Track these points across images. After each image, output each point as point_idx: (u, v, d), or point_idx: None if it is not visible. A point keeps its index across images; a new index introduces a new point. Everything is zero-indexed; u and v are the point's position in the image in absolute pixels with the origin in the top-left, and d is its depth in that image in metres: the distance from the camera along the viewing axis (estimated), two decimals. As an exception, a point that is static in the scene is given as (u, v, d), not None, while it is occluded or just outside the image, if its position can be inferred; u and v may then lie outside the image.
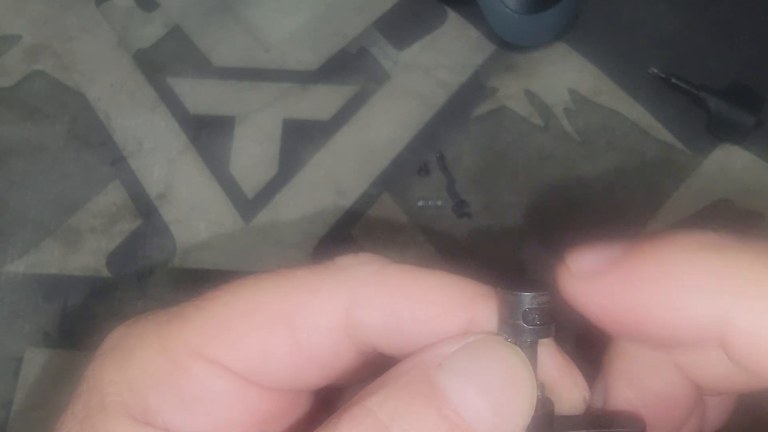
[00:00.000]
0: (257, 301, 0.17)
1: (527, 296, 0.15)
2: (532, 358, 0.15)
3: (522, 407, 0.14)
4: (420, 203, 0.45)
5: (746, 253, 0.14)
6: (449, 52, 0.49)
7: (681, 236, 0.15)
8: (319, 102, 0.48)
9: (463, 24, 0.50)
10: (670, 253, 0.14)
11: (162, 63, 0.50)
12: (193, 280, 0.43)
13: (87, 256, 0.44)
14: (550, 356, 0.16)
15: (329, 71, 0.49)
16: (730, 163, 0.45)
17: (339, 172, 0.46)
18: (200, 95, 0.49)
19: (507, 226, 0.44)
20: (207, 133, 0.47)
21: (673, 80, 0.46)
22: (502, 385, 0.14)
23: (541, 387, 0.16)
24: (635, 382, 0.16)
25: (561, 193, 0.45)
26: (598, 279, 0.15)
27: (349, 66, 0.49)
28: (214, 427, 0.16)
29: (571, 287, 0.15)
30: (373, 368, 0.17)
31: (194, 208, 0.45)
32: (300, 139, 0.47)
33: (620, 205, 0.44)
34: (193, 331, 0.16)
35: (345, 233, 0.44)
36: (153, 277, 0.43)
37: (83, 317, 0.42)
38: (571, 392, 0.16)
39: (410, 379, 0.14)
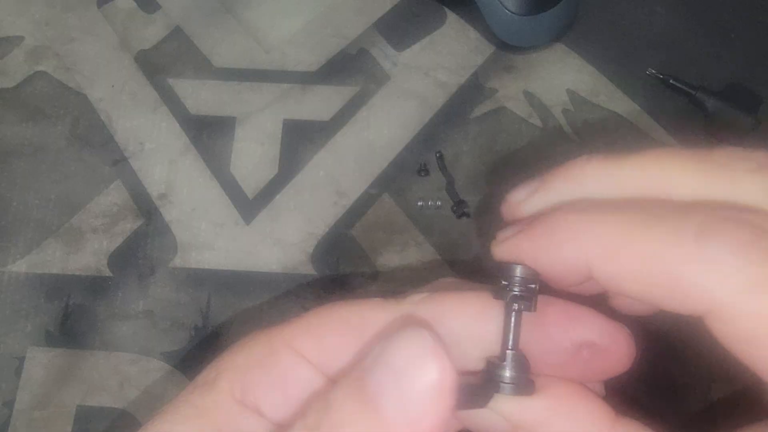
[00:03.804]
0: (339, 314, 0.21)
1: (518, 267, 0.19)
2: (517, 323, 0.19)
3: (426, 392, 0.17)
4: (420, 203, 0.45)
5: (605, 206, 0.19)
6: (449, 53, 0.50)
7: (563, 206, 0.20)
8: (319, 103, 0.48)
9: (462, 25, 0.51)
10: (549, 220, 0.19)
11: (163, 64, 0.50)
12: (193, 279, 0.43)
13: (89, 256, 0.44)
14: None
15: (329, 72, 0.49)
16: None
17: (339, 172, 0.46)
18: (201, 96, 0.49)
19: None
20: (208, 134, 0.48)
21: (671, 81, 0.47)
22: (418, 396, 0.17)
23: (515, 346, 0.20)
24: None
25: (559, 193, 0.45)
26: (509, 241, 0.20)
27: (349, 67, 0.49)
28: (288, 403, 0.20)
29: (495, 251, 0.21)
30: None
31: (195, 208, 0.45)
32: (300, 140, 0.47)
33: (618, 205, 0.45)
34: (289, 331, 0.21)
35: (345, 233, 0.45)
36: (154, 276, 0.44)
37: (85, 316, 0.43)
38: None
39: (351, 382, 0.18)
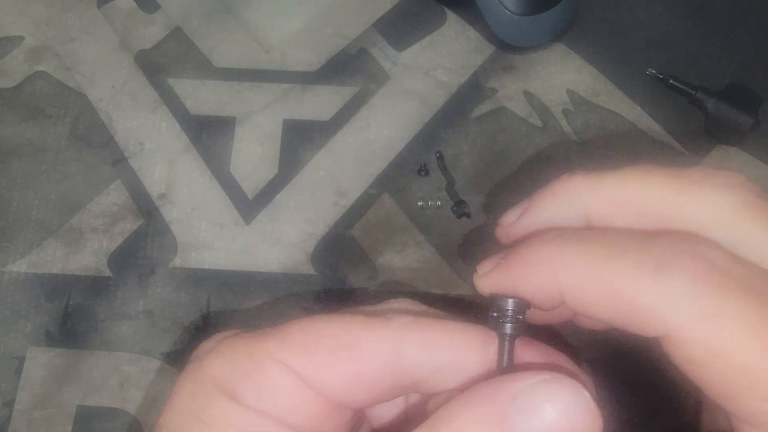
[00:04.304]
0: (326, 329, 0.21)
1: (508, 300, 0.21)
2: (510, 349, 0.21)
3: None
4: (420, 203, 0.45)
5: (575, 237, 0.20)
6: (449, 53, 0.50)
7: (534, 238, 0.21)
8: (319, 102, 0.48)
9: (462, 25, 0.51)
10: (526, 252, 0.21)
11: (163, 64, 0.50)
12: (193, 279, 0.43)
13: (89, 256, 0.44)
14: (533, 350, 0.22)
15: (329, 72, 0.49)
16: (727, 163, 0.45)
17: (339, 172, 0.46)
18: (201, 96, 0.49)
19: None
20: (208, 134, 0.48)
21: (671, 81, 0.47)
22: (568, 427, 0.17)
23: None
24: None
25: (559, 193, 0.45)
26: (490, 274, 0.22)
27: (349, 67, 0.49)
28: (279, 412, 0.21)
29: (477, 284, 0.22)
30: (405, 409, 0.24)
31: (195, 208, 0.45)
32: (300, 140, 0.47)
33: (618, 205, 0.45)
34: (273, 343, 0.21)
35: (345, 233, 0.45)
36: (154, 276, 0.44)
37: (85, 316, 0.43)
38: None
39: (487, 410, 0.18)
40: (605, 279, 0.19)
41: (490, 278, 0.22)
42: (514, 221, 0.23)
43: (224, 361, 0.21)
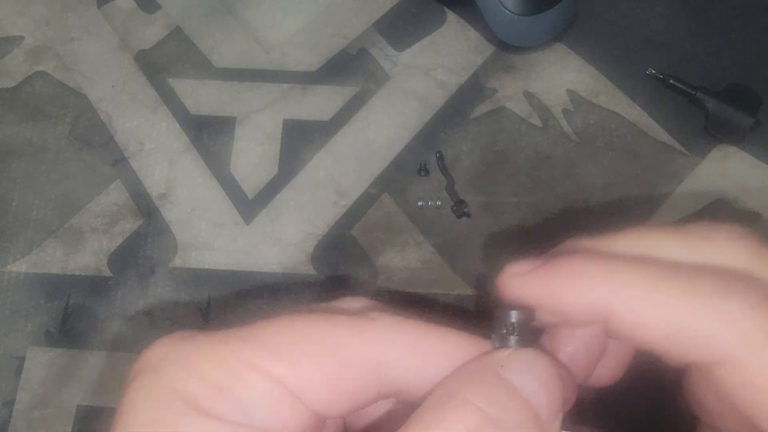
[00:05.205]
0: (309, 331, 0.20)
1: (513, 312, 0.20)
2: None
3: (561, 393, 0.19)
4: (420, 203, 0.45)
5: (623, 258, 0.20)
6: (449, 53, 0.50)
7: (581, 249, 0.21)
8: (319, 103, 0.48)
9: (462, 25, 0.51)
10: (572, 261, 0.20)
11: (163, 64, 0.50)
12: (193, 279, 0.43)
13: (89, 256, 0.44)
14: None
15: (329, 72, 0.49)
16: (728, 163, 0.45)
17: (339, 172, 0.46)
18: (201, 96, 0.49)
19: (506, 226, 0.44)
20: (208, 134, 0.48)
21: (671, 81, 0.47)
22: (549, 378, 0.19)
23: None
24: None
25: (559, 193, 0.45)
26: (523, 278, 0.21)
27: (349, 67, 0.49)
28: (267, 426, 0.19)
29: (505, 283, 0.21)
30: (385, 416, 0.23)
31: (195, 208, 0.45)
32: (300, 140, 0.47)
33: (618, 205, 0.45)
34: (249, 349, 0.19)
35: (345, 233, 0.45)
36: (154, 276, 0.44)
37: (85, 317, 0.43)
38: None
39: (484, 376, 0.19)
40: (661, 302, 0.19)
41: (525, 280, 0.21)
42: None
43: (187, 372, 0.19)
